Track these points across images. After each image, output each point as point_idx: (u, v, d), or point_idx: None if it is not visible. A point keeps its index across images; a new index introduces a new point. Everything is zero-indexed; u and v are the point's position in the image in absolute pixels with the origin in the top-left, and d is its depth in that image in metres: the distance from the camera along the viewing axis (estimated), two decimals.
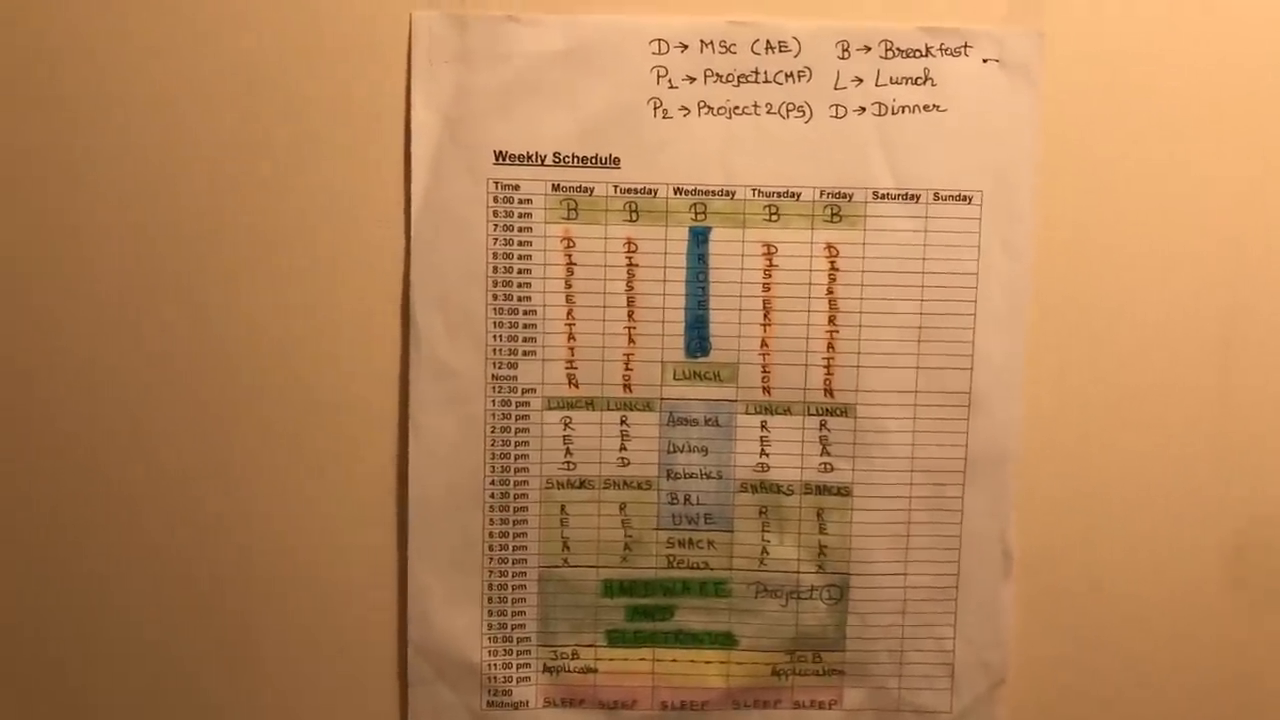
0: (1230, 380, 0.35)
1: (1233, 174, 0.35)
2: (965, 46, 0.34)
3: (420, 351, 0.34)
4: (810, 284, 0.34)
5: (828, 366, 0.35)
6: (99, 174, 0.34)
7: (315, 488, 0.35)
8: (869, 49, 0.34)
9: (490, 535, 0.35)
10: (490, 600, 0.35)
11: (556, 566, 0.35)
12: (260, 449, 0.35)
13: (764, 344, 0.35)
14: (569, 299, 0.34)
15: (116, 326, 0.34)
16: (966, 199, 0.34)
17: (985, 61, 0.34)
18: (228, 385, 0.34)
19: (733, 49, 0.33)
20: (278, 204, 0.34)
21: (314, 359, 0.34)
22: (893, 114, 0.34)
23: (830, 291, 0.35)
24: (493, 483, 0.35)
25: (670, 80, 0.33)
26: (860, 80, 0.34)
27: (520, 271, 0.34)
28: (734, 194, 0.34)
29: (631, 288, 0.34)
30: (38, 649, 0.35)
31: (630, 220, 0.34)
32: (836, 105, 0.34)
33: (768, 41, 0.33)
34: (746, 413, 0.35)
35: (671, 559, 0.35)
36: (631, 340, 0.35)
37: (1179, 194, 0.35)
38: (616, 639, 0.36)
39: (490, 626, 0.35)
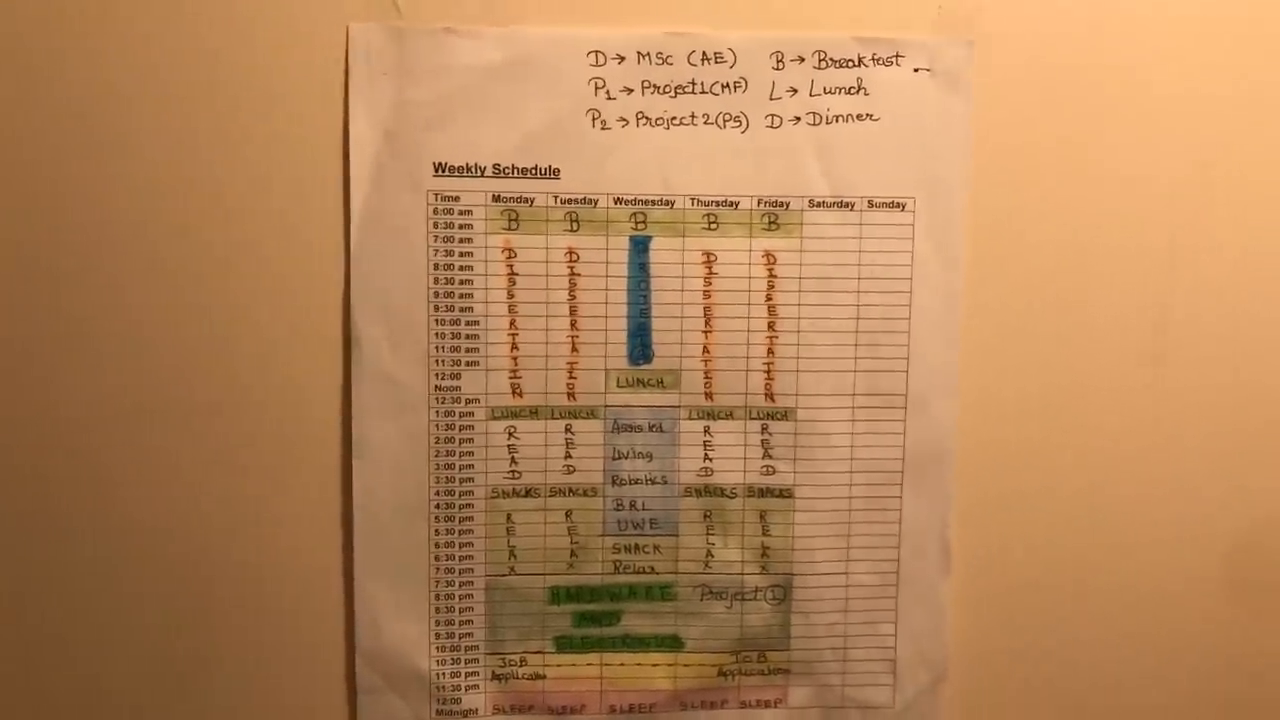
0: (1159, 377, 0.37)
1: (1159, 176, 0.36)
2: (897, 56, 0.34)
3: (363, 363, 0.34)
4: (749, 291, 0.35)
5: (768, 371, 0.35)
6: (36, 181, 0.33)
7: (261, 501, 0.35)
8: (803, 59, 0.34)
9: (437, 545, 0.35)
10: (438, 609, 0.35)
11: (503, 575, 0.36)
12: (205, 462, 0.34)
13: (705, 350, 0.35)
14: (511, 309, 0.35)
15: (51, 335, 0.34)
16: (900, 206, 0.35)
17: (916, 71, 0.34)
18: (169, 398, 0.34)
19: (670, 60, 0.34)
20: (217, 217, 0.34)
21: (256, 372, 0.34)
22: (827, 123, 0.34)
23: (769, 298, 0.35)
24: (438, 493, 0.35)
25: (608, 91, 0.34)
26: (795, 90, 0.34)
27: (462, 282, 0.34)
28: (673, 203, 0.34)
29: (574, 297, 0.35)
30: None
31: (571, 230, 0.34)
32: (772, 115, 0.34)
33: (704, 53, 0.34)
34: (689, 418, 0.36)
35: (618, 564, 0.36)
36: (575, 349, 0.35)
37: (1106, 197, 0.36)
38: (564, 645, 0.36)
39: (438, 635, 0.35)
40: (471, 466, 0.35)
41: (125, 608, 0.35)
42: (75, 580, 0.35)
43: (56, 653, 0.35)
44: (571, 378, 0.35)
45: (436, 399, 0.35)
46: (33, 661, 0.35)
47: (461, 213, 0.34)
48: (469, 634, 0.36)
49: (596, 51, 0.34)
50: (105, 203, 0.33)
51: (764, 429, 0.36)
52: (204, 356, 0.34)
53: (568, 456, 0.35)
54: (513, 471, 0.35)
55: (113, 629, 0.35)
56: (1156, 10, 0.35)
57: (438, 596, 0.35)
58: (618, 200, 0.34)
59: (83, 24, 0.33)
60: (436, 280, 0.34)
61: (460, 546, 0.35)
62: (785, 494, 0.36)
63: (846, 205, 0.35)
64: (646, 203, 0.34)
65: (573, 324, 0.35)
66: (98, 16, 0.33)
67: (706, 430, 0.36)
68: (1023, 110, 0.35)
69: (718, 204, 0.35)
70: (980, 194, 0.35)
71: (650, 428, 0.35)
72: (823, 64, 0.34)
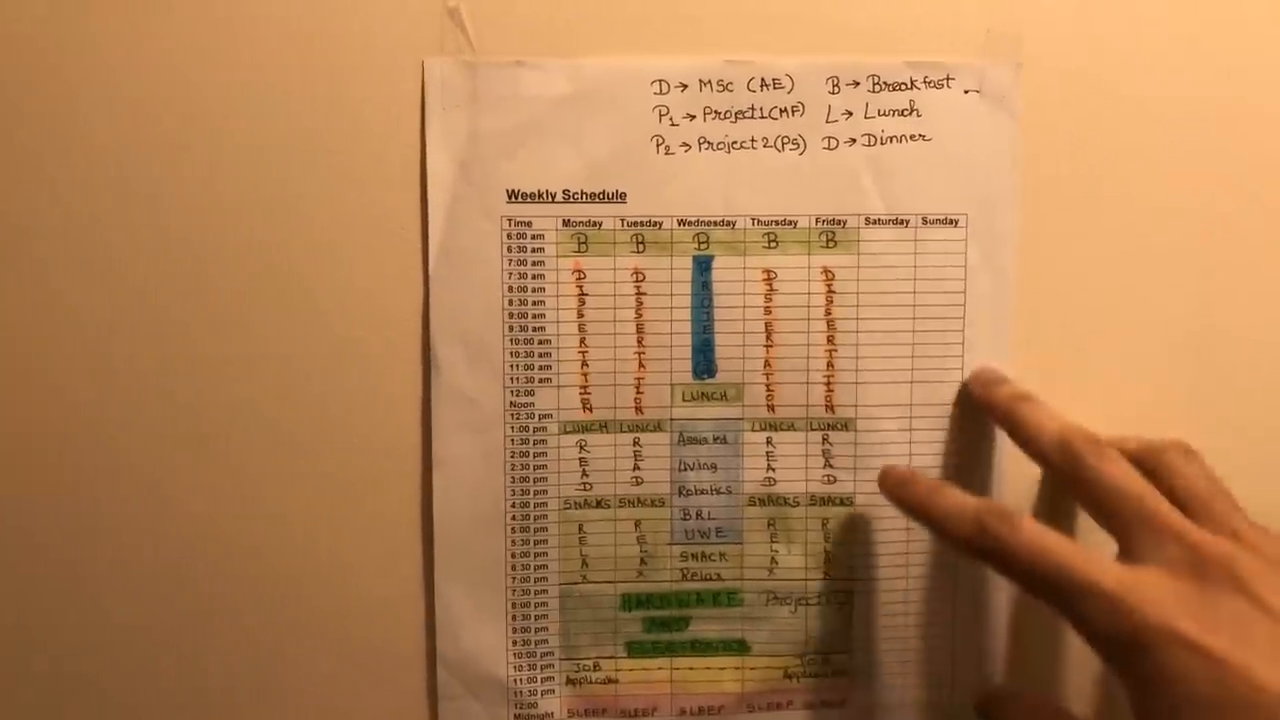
0: (1202, 392, 0.38)
1: (1205, 196, 0.37)
2: (947, 79, 0.36)
3: (441, 383, 0.36)
4: (809, 306, 0.36)
5: (828, 383, 0.37)
6: (120, 231, 0.35)
7: (346, 518, 0.36)
8: (858, 84, 0.36)
9: (513, 555, 0.37)
10: (514, 617, 0.37)
11: (576, 583, 0.37)
12: (293, 484, 0.36)
13: (767, 364, 0.37)
14: (581, 328, 0.36)
15: (142, 378, 0.35)
16: (953, 222, 0.36)
17: (966, 92, 0.36)
18: (259, 420, 0.36)
19: (730, 87, 0.35)
20: (301, 249, 0.35)
21: (340, 395, 0.36)
22: (881, 144, 0.36)
23: (828, 313, 0.36)
24: (513, 505, 0.36)
25: (671, 119, 0.35)
26: (850, 113, 0.36)
27: (535, 303, 0.36)
28: (734, 224, 0.36)
29: (640, 315, 0.36)
30: (41, 665, 0.37)
31: (637, 251, 0.36)
32: (829, 137, 0.36)
33: (762, 79, 0.35)
34: (753, 430, 0.37)
35: (685, 572, 0.37)
36: (641, 365, 0.36)
37: (1153, 214, 0.37)
38: (635, 650, 0.37)
39: (515, 642, 0.37)
40: (545, 479, 0.36)
41: (208, 618, 0.37)
42: (159, 591, 0.36)
43: (137, 663, 0.37)
44: (639, 392, 0.36)
45: (511, 415, 0.36)
46: (115, 672, 0.37)
47: (534, 237, 0.35)
48: (544, 640, 0.37)
49: (660, 80, 0.35)
50: (195, 240, 0.35)
51: (825, 439, 0.37)
52: (292, 380, 0.36)
53: (636, 468, 0.37)
54: (584, 483, 0.37)
55: (194, 639, 0.37)
56: (1201, 33, 0.36)
57: (514, 605, 0.37)
58: (681, 222, 0.36)
59: (166, 72, 0.34)
60: (510, 302, 0.36)
61: (535, 556, 0.37)
62: (846, 502, 0.37)
63: (901, 222, 0.36)
64: (709, 224, 0.36)
65: (639, 341, 0.36)
66: (180, 59, 0.34)
67: (769, 441, 0.37)
68: (1069, 129, 0.36)
69: (777, 223, 0.36)
70: (1029, 209, 0.36)
71: (715, 439, 0.37)
72: (876, 88, 0.36)
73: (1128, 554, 0.29)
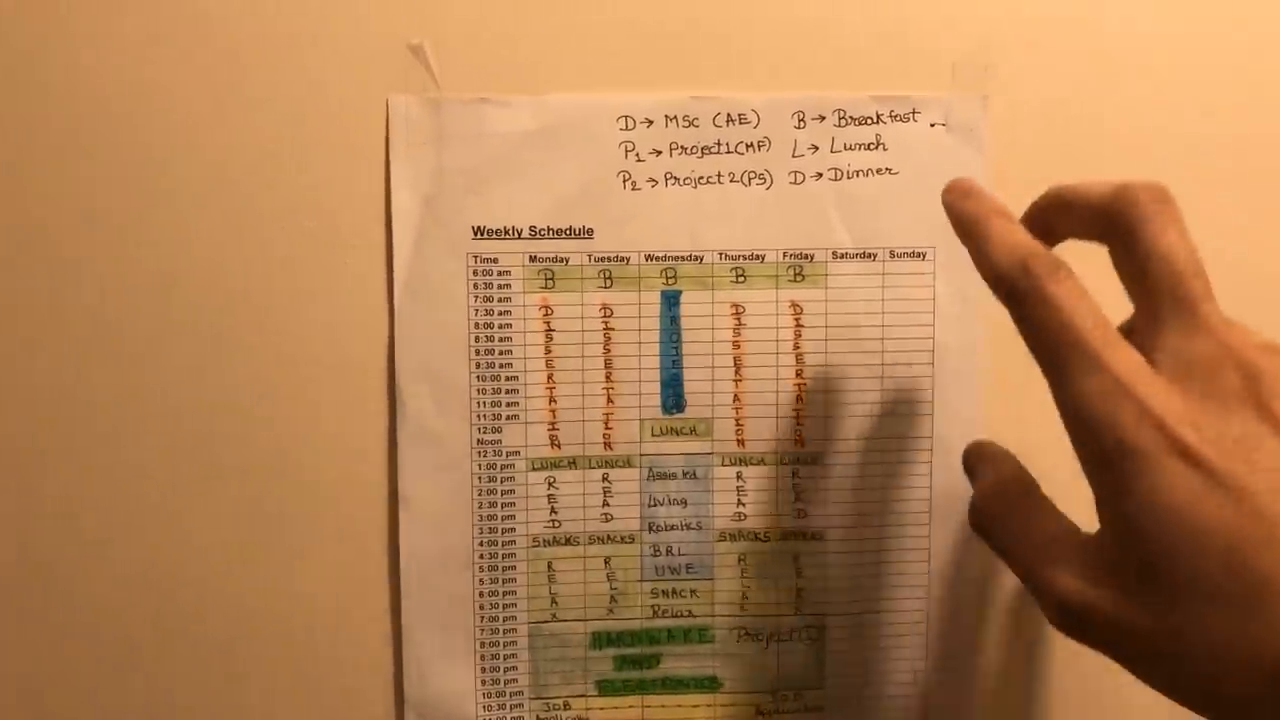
0: None
1: None
2: (914, 112, 0.36)
3: (407, 422, 0.35)
4: (778, 340, 0.36)
5: (797, 417, 0.37)
6: (82, 269, 0.35)
7: (312, 558, 0.36)
8: (823, 118, 0.36)
9: (481, 594, 0.36)
10: (483, 657, 0.36)
11: (546, 621, 0.37)
12: (258, 523, 0.36)
13: (736, 398, 0.36)
14: (549, 364, 0.36)
15: (102, 415, 0.35)
16: (920, 255, 0.36)
17: (933, 126, 0.36)
18: (220, 460, 0.35)
19: (696, 123, 0.35)
20: (265, 287, 0.35)
21: (304, 434, 0.35)
22: (848, 178, 0.36)
23: (797, 346, 0.36)
24: (481, 543, 0.36)
25: (638, 154, 0.35)
26: (816, 147, 0.36)
27: (501, 340, 0.36)
28: (702, 258, 0.36)
29: (608, 350, 0.36)
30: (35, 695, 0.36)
31: (605, 287, 0.36)
32: (795, 172, 0.36)
33: (728, 114, 0.35)
34: (723, 464, 0.37)
35: (656, 609, 0.37)
36: (610, 400, 0.36)
37: None
38: (606, 688, 0.37)
39: (484, 682, 0.37)
40: (513, 517, 0.36)
41: (171, 656, 0.36)
42: (117, 636, 0.36)
43: (97, 708, 0.36)
44: (608, 428, 0.36)
45: (478, 452, 0.36)
46: (77, 713, 0.36)
47: (500, 273, 0.35)
48: (514, 680, 0.37)
49: (626, 116, 0.35)
50: (158, 278, 0.35)
51: (795, 473, 0.37)
52: (255, 419, 0.35)
53: (605, 505, 0.37)
54: (553, 521, 0.36)
55: (158, 678, 0.36)
56: (1167, 65, 0.36)
57: (483, 644, 0.36)
58: (649, 257, 0.36)
59: (136, 98, 0.34)
60: (477, 339, 0.35)
61: (504, 595, 0.36)
62: (817, 536, 0.37)
63: (869, 256, 0.36)
64: (676, 259, 0.36)
65: (608, 376, 0.36)
66: (148, 91, 0.34)
67: (739, 476, 0.37)
68: (1035, 161, 0.36)
69: (745, 258, 0.36)
70: None
71: (685, 475, 0.37)
72: (842, 122, 0.36)
73: (1150, 338, 0.26)
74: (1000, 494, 0.29)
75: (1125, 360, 0.24)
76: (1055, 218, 0.29)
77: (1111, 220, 0.27)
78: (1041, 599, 0.26)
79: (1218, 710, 0.23)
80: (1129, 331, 0.27)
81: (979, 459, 0.31)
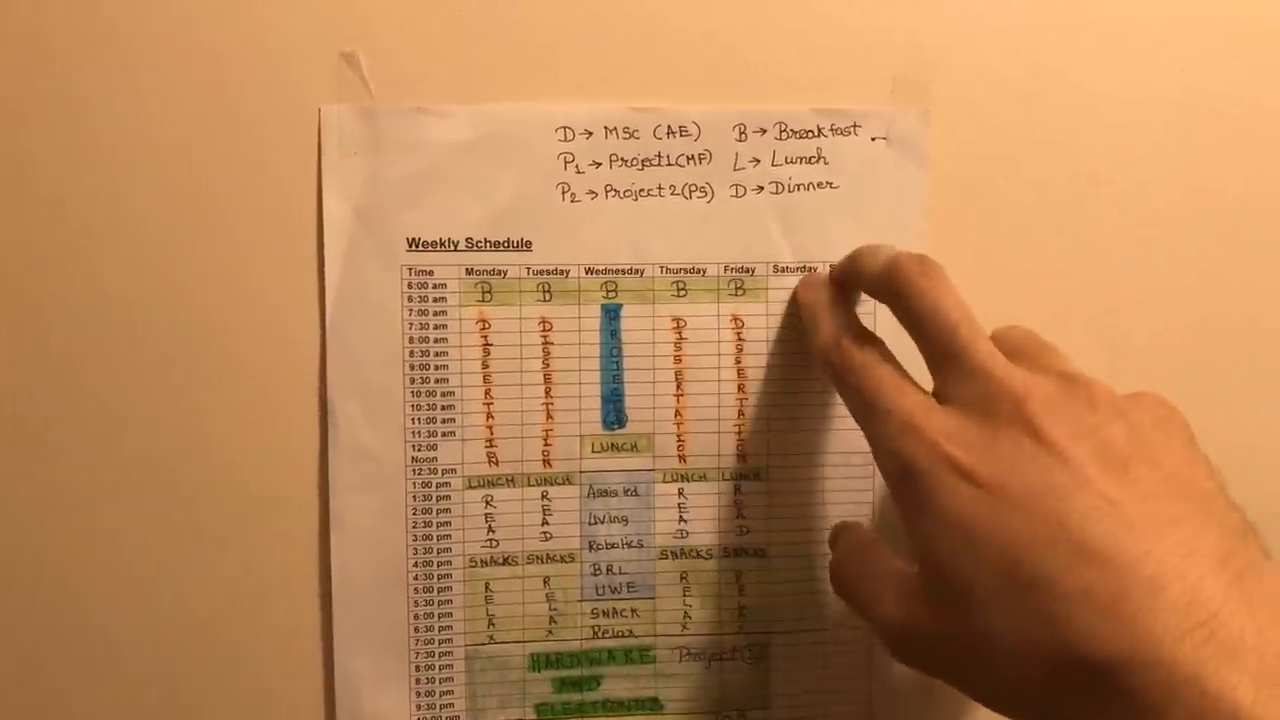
0: None
1: (1114, 239, 0.37)
2: (855, 126, 0.36)
3: (339, 438, 0.34)
4: (719, 355, 0.36)
5: (739, 433, 0.36)
6: (16, 281, 0.33)
7: (240, 581, 0.35)
8: (765, 131, 0.35)
9: (415, 616, 0.35)
10: (418, 680, 0.35)
11: (483, 644, 0.36)
12: (184, 544, 0.34)
13: (678, 414, 0.36)
14: (486, 379, 0.35)
15: (20, 428, 0.34)
16: None
17: (874, 139, 0.36)
18: (142, 477, 0.34)
19: (636, 134, 0.35)
20: (194, 298, 0.34)
21: (231, 451, 0.34)
22: (789, 192, 0.36)
23: (738, 361, 0.36)
24: (416, 564, 0.35)
25: (577, 166, 0.35)
26: (758, 161, 0.35)
27: (437, 354, 0.35)
28: (643, 272, 0.35)
29: (547, 365, 0.35)
30: None
31: (544, 300, 0.35)
32: (736, 185, 0.35)
33: (669, 126, 0.35)
34: (664, 481, 0.36)
35: (596, 629, 0.36)
36: (549, 416, 0.35)
37: (1062, 259, 0.37)
38: (545, 712, 0.36)
39: (419, 707, 0.35)
40: (449, 536, 0.35)
41: (93, 683, 0.35)
42: (35, 663, 0.34)
43: None
44: (547, 444, 0.36)
45: (413, 470, 0.35)
46: None
47: (436, 286, 0.34)
48: (450, 704, 0.36)
49: (565, 127, 0.34)
50: (81, 287, 0.34)
51: (737, 489, 0.36)
52: (179, 436, 0.34)
53: (544, 523, 0.36)
54: (490, 540, 0.35)
55: (81, 707, 0.35)
56: (1107, 79, 0.37)
57: (418, 668, 0.35)
58: (589, 270, 0.35)
59: (62, 105, 0.33)
60: (412, 354, 0.35)
61: (439, 617, 0.35)
62: (760, 553, 0.36)
63: (810, 270, 0.36)
64: (617, 272, 0.35)
65: (547, 391, 0.35)
66: (73, 98, 0.33)
67: (680, 493, 0.36)
68: (976, 175, 0.36)
69: (686, 271, 0.36)
70: (937, 255, 0.36)
71: (625, 492, 0.36)
72: (784, 135, 0.35)
73: (938, 390, 0.29)
74: (850, 555, 0.32)
75: (911, 401, 0.28)
76: (850, 281, 0.34)
77: (887, 287, 0.31)
78: (878, 633, 0.29)
79: (1022, 709, 0.25)
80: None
81: (837, 534, 0.34)
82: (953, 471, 0.26)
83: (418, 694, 0.35)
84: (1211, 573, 0.23)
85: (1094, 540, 0.24)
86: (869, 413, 0.29)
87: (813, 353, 0.33)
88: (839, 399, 0.36)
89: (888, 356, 0.30)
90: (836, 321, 0.32)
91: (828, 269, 0.35)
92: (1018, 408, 0.26)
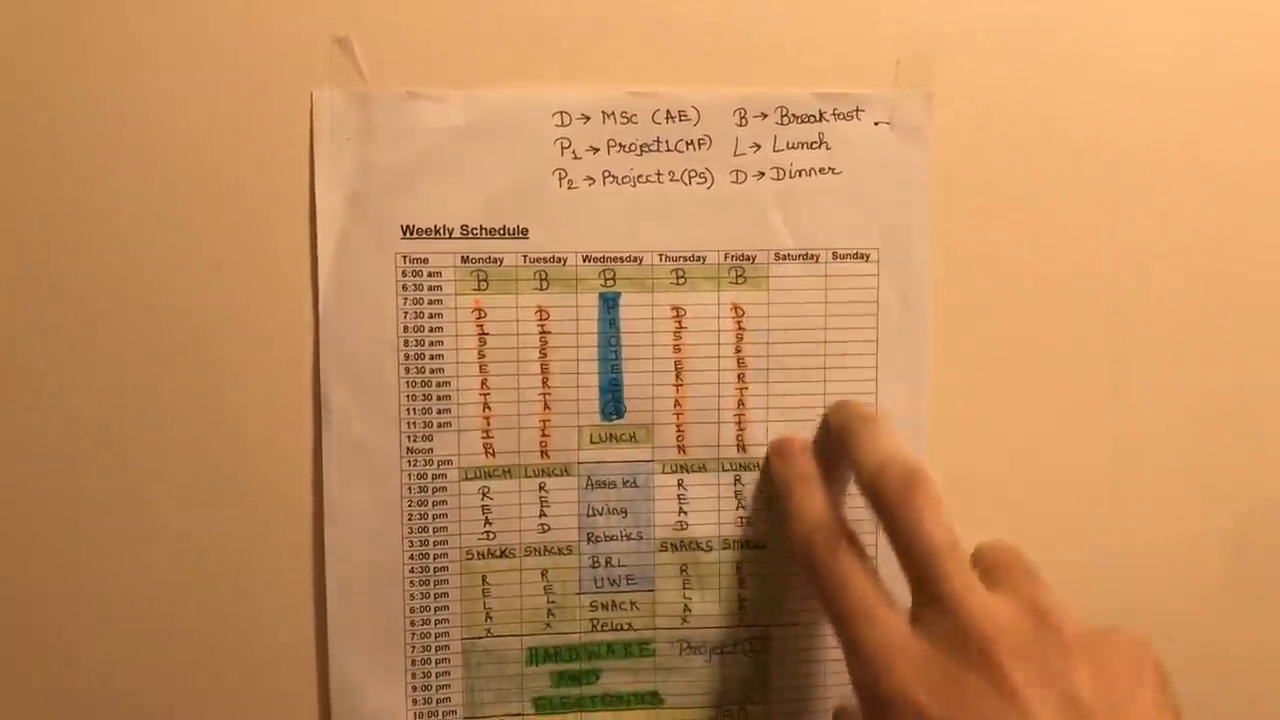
0: (1119, 418, 0.37)
1: (1119, 224, 0.37)
2: (857, 110, 0.35)
3: (333, 430, 0.34)
4: (719, 344, 0.35)
5: (739, 423, 0.36)
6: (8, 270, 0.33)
7: (234, 575, 0.34)
8: (765, 115, 0.35)
9: (412, 610, 0.35)
10: (414, 675, 0.35)
11: (480, 637, 0.35)
12: (178, 537, 0.34)
13: (677, 404, 0.35)
14: (482, 368, 0.34)
15: (15, 408, 0.33)
16: (864, 256, 0.35)
17: (876, 124, 0.35)
18: (136, 471, 0.34)
19: (634, 119, 0.34)
20: (186, 288, 0.33)
21: (224, 443, 0.34)
22: (790, 178, 0.35)
23: (738, 350, 0.35)
24: (412, 557, 0.35)
25: (574, 151, 0.34)
26: (758, 146, 0.35)
27: (432, 344, 0.34)
28: (641, 260, 0.35)
29: (545, 354, 0.35)
30: None
31: (540, 289, 0.34)
32: (737, 171, 0.35)
33: (668, 111, 0.34)
34: (663, 472, 0.36)
35: (595, 622, 0.36)
36: (547, 406, 0.35)
37: (1067, 243, 0.37)
38: (543, 706, 0.36)
39: (415, 702, 0.35)
40: (445, 529, 0.35)
41: (87, 680, 0.34)
42: (40, 659, 0.34)
43: None
44: (544, 435, 0.35)
45: (409, 462, 0.34)
46: None
47: (430, 274, 0.34)
48: (446, 699, 0.35)
49: (561, 112, 0.34)
50: (73, 274, 0.33)
51: (737, 480, 0.36)
52: (171, 428, 0.34)
53: (542, 515, 0.35)
54: (487, 532, 0.35)
55: (74, 702, 0.34)
56: (1112, 61, 0.36)
57: (414, 663, 0.35)
58: (586, 258, 0.35)
59: (54, 89, 0.32)
60: (407, 343, 0.34)
61: (436, 610, 0.35)
62: (760, 545, 0.36)
63: (811, 257, 0.35)
64: (615, 260, 0.35)
65: (544, 381, 0.35)
66: (66, 82, 0.32)
67: (680, 484, 0.36)
68: (981, 159, 0.36)
69: (685, 259, 0.35)
70: (942, 241, 0.36)
71: (624, 483, 0.35)
72: (785, 120, 0.35)
73: (914, 607, 0.29)
74: None
75: (883, 636, 0.28)
76: (835, 453, 0.34)
77: (873, 497, 0.30)
78: None
79: None
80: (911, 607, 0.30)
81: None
82: (915, 714, 0.26)
83: (414, 689, 0.35)
84: None
85: None
86: (846, 624, 0.29)
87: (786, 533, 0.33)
88: (840, 388, 0.36)
89: (863, 563, 0.30)
90: (809, 511, 0.32)
91: (805, 436, 0.35)
92: (985, 651, 0.26)
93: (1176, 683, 0.27)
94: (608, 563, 0.36)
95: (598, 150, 0.34)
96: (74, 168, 0.33)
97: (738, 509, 0.36)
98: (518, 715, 0.36)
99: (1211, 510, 0.38)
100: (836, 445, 0.34)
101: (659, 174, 0.34)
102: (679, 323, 0.35)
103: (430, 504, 0.35)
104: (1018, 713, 0.25)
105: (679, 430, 0.35)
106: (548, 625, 0.35)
